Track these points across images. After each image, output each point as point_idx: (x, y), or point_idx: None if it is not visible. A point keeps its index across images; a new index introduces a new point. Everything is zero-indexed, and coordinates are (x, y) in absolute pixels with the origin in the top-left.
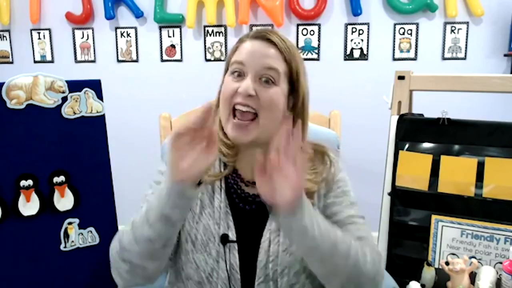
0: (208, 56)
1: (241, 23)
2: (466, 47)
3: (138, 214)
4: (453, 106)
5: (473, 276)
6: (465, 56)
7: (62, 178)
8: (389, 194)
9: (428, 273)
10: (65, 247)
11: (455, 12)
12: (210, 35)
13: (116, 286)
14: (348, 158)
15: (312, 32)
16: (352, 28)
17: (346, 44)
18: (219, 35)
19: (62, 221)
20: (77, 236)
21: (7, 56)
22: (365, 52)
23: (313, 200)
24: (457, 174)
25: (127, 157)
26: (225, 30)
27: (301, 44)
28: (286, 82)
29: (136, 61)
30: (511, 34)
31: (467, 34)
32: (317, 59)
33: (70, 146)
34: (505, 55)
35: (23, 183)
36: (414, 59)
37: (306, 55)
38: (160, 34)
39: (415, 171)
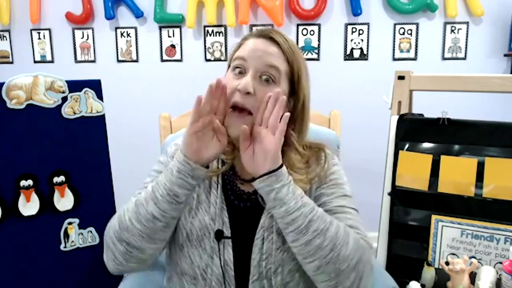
0: (208, 56)
1: (241, 23)
2: (466, 47)
3: (140, 195)
4: (453, 106)
5: (473, 276)
6: (465, 56)
7: (62, 178)
8: (389, 194)
9: (428, 273)
10: (65, 247)
11: (455, 12)
12: (210, 35)
13: (116, 286)
14: (348, 158)
15: (312, 32)
16: (352, 28)
17: (346, 44)
18: (219, 35)
19: (62, 221)
20: (77, 236)
21: (7, 56)
22: (365, 52)
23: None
24: (457, 174)
25: (127, 157)
26: (225, 30)
27: (301, 44)
28: (287, 83)
29: (136, 61)
30: (511, 34)
31: (467, 34)
32: (317, 59)
33: (70, 146)
34: (505, 55)
35: (23, 183)
36: (414, 59)
37: (306, 55)
38: (160, 34)
39: (415, 171)
